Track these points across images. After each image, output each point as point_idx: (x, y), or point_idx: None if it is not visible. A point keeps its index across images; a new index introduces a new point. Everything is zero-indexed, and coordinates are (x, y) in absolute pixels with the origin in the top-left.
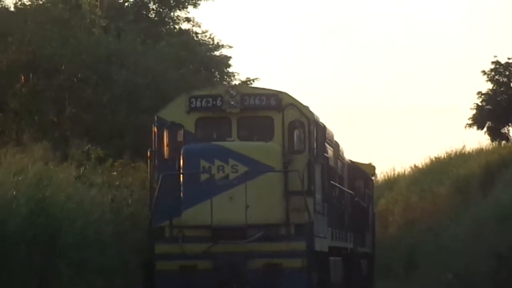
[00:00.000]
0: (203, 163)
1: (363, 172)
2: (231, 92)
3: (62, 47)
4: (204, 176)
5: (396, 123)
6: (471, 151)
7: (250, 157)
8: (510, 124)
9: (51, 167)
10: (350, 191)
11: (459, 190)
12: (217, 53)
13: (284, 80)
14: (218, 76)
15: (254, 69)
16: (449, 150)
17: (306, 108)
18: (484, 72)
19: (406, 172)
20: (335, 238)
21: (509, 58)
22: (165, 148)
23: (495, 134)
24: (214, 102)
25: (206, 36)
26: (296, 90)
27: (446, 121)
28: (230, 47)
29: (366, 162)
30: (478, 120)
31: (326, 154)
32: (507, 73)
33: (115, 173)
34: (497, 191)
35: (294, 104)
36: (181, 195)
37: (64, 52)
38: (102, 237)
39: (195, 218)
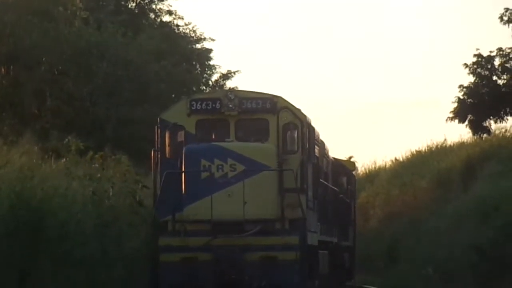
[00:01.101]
0: (204, 162)
1: (346, 168)
2: (230, 95)
3: (43, 38)
4: (204, 174)
5: (377, 116)
6: (452, 144)
7: (248, 156)
8: (491, 117)
9: (35, 160)
10: (335, 188)
11: (440, 184)
12: (198, 45)
13: (264, 72)
14: (199, 68)
15: (235, 61)
16: (430, 144)
17: (299, 110)
18: (466, 65)
19: (387, 165)
20: (323, 232)
21: (491, 51)
22: (167, 148)
23: (477, 127)
24: (214, 105)
25: (188, 29)
26: (275, 83)
27: (427, 114)
28: (212, 40)
29: (347, 155)
30: (460, 114)
31: (316, 154)
32: (489, 66)
33: (96, 165)
34: (478, 185)
35: (288, 107)
36: (183, 192)
37: (45, 44)
38: (84, 230)
39: (196, 213)
